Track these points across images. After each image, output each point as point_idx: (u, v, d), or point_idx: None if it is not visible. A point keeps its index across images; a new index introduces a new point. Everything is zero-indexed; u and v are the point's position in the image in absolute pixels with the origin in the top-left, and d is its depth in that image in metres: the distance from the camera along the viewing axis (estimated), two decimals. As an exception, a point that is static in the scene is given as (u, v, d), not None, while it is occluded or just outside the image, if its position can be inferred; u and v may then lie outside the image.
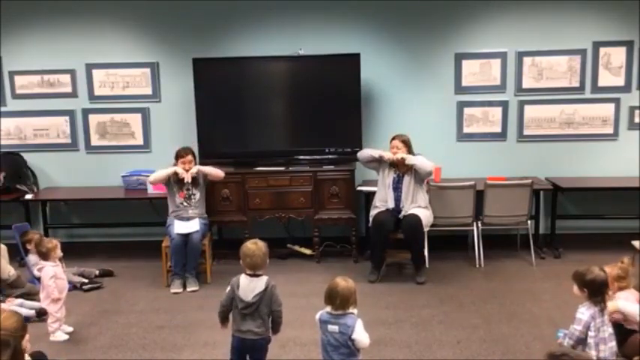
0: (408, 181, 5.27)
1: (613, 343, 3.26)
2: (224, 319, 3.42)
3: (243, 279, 3.30)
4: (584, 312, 3.24)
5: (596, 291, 3.25)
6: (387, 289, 5.15)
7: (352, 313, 3.09)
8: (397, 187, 5.31)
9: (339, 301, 3.06)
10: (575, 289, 3.32)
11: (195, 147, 5.72)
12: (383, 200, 5.36)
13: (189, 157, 5.43)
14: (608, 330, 3.26)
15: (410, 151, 5.31)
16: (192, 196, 5.44)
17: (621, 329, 3.46)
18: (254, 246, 3.32)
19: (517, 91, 6.19)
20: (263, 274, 3.32)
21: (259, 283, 3.27)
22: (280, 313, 3.34)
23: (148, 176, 5.92)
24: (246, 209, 5.87)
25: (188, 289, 5.21)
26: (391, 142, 5.33)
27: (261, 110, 6.07)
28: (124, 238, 6.52)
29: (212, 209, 5.79)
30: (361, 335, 3.05)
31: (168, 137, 6.16)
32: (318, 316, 3.14)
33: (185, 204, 5.42)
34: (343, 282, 3.11)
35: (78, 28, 6.25)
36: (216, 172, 5.52)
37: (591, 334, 3.21)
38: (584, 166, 6.22)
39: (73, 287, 5.18)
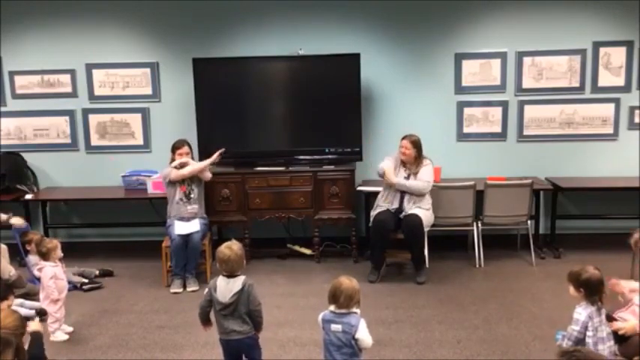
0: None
1: (611, 343, 3.25)
2: (205, 321, 3.42)
3: (221, 280, 3.30)
4: (581, 312, 3.23)
5: (593, 290, 3.23)
6: (387, 289, 5.15)
7: (355, 313, 3.09)
8: None
9: (342, 299, 3.05)
10: (572, 289, 3.31)
11: (195, 147, 5.73)
12: (387, 200, 5.34)
13: (186, 149, 5.51)
14: (606, 329, 3.25)
15: (419, 152, 5.31)
16: (191, 192, 5.46)
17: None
18: (228, 251, 3.28)
19: (517, 91, 6.18)
20: (240, 274, 3.30)
21: (236, 284, 3.26)
22: (259, 312, 3.31)
23: (148, 176, 5.98)
24: (246, 209, 5.87)
25: (188, 289, 5.22)
26: (401, 141, 5.33)
27: (261, 110, 6.08)
28: (124, 238, 6.52)
29: (212, 209, 5.80)
30: (364, 335, 3.05)
31: (169, 137, 6.11)
32: (321, 316, 3.13)
33: (184, 199, 5.43)
34: (347, 281, 3.11)
35: (78, 28, 6.24)
36: (204, 168, 5.48)
37: (589, 333, 3.20)
38: (584, 166, 6.22)
39: (73, 287, 5.18)
